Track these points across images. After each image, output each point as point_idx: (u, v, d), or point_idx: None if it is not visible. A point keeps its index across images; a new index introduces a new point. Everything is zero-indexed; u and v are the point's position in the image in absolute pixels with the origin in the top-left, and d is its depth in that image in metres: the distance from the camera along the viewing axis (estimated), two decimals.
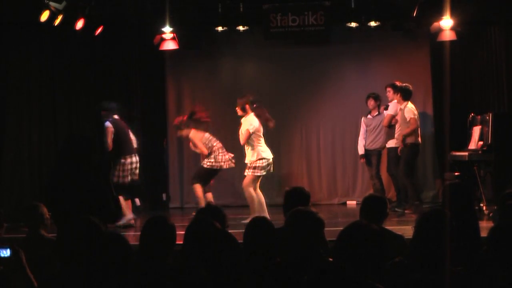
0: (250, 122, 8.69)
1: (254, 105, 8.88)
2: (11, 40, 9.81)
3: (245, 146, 8.76)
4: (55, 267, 3.82)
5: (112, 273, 3.36)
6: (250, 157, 8.72)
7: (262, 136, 8.78)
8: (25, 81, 9.95)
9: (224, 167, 9.57)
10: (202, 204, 9.32)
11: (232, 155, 9.65)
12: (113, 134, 8.80)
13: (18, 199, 9.57)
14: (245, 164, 8.85)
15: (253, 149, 8.69)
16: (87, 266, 3.38)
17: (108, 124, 8.85)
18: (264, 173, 8.74)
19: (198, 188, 9.52)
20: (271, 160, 8.79)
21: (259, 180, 8.79)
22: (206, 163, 9.52)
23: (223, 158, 9.54)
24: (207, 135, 9.68)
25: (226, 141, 10.01)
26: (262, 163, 8.65)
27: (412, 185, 9.44)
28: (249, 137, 8.64)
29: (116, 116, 8.98)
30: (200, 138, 9.61)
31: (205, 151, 9.50)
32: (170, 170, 11.44)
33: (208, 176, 9.65)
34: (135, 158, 9.05)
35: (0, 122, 9.78)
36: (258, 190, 8.75)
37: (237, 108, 8.90)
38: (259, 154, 8.66)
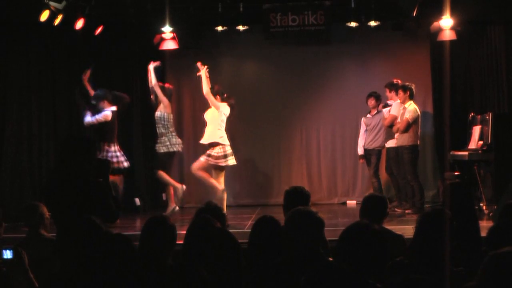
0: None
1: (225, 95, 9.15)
2: (11, 40, 9.80)
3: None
4: (55, 267, 3.82)
5: (113, 273, 3.35)
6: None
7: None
8: (25, 81, 9.95)
9: (179, 149, 9.43)
10: (177, 185, 9.23)
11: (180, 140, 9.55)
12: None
13: (18, 199, 9.56)
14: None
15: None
16: (87, 266, 3.37)
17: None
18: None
19: (163, 174, 9.32)
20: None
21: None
22: (161, 148, 9.31)
23: (177, 141, 9.39)
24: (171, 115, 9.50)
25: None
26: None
27: (420, 187, 9.43)
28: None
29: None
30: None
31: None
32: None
33: (169, 161, 9.49)
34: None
35: (0, 122, 9.77)
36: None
37: (217, 96, 9.15)
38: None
